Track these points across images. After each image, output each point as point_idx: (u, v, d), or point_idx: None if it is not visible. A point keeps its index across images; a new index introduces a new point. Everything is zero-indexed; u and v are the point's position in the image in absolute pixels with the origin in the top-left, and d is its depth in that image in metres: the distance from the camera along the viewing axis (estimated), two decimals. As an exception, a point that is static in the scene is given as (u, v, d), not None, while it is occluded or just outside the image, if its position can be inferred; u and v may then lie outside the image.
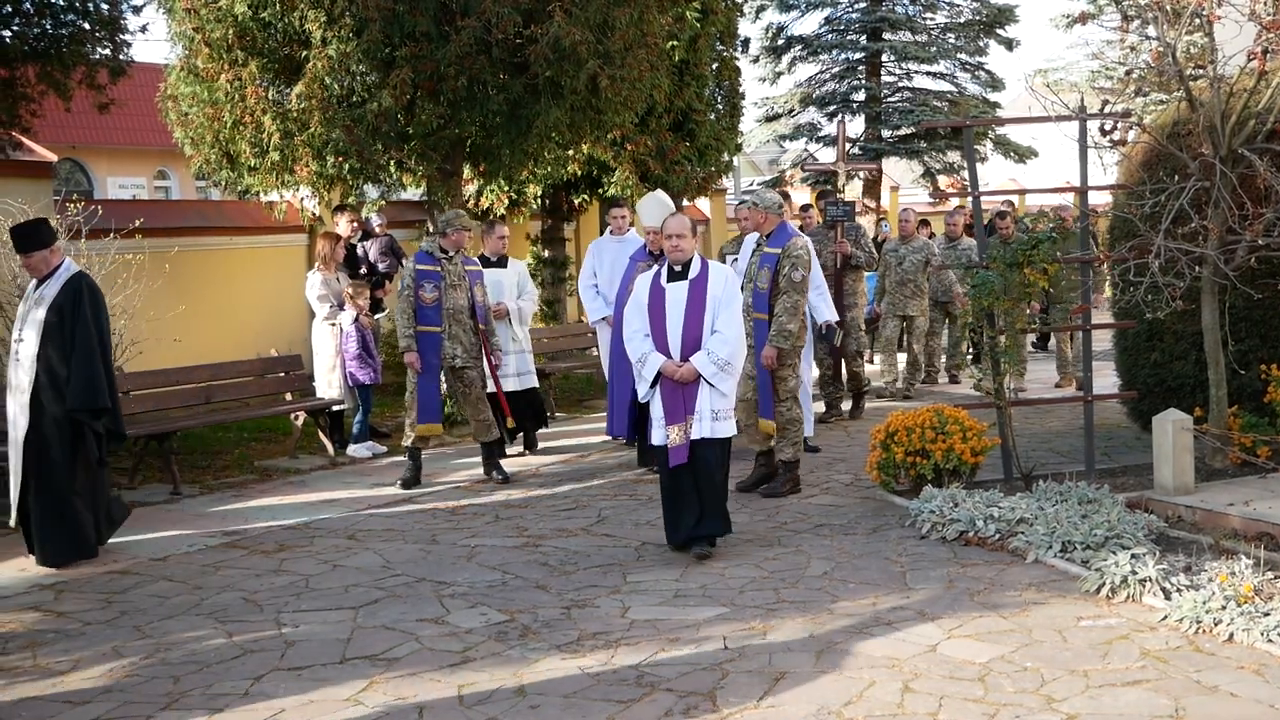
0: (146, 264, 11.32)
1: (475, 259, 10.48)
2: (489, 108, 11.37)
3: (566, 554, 7.80)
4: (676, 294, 7.57)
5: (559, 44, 10.79)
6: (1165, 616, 6.01)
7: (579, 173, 16.14)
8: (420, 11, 10.78)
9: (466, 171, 13.28)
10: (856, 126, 26.76)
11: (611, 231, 11.96)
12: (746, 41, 21.06)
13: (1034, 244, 8.80)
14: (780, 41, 26.50)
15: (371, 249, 13.01)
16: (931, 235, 16.43)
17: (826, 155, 27.23)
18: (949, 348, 15.74)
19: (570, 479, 10.21)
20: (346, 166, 11.59)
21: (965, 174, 26.85)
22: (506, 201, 16.69)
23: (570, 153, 14.45)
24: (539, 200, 17.19)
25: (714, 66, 17.63)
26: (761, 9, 26.41)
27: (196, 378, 11.00)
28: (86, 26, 8.51)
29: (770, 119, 27.17)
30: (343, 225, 12.66)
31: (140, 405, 10.27)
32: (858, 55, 26.33)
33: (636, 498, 9.31)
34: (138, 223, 11.38)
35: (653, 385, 7.58)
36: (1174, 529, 7.60)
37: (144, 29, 8.94)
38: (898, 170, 33.30)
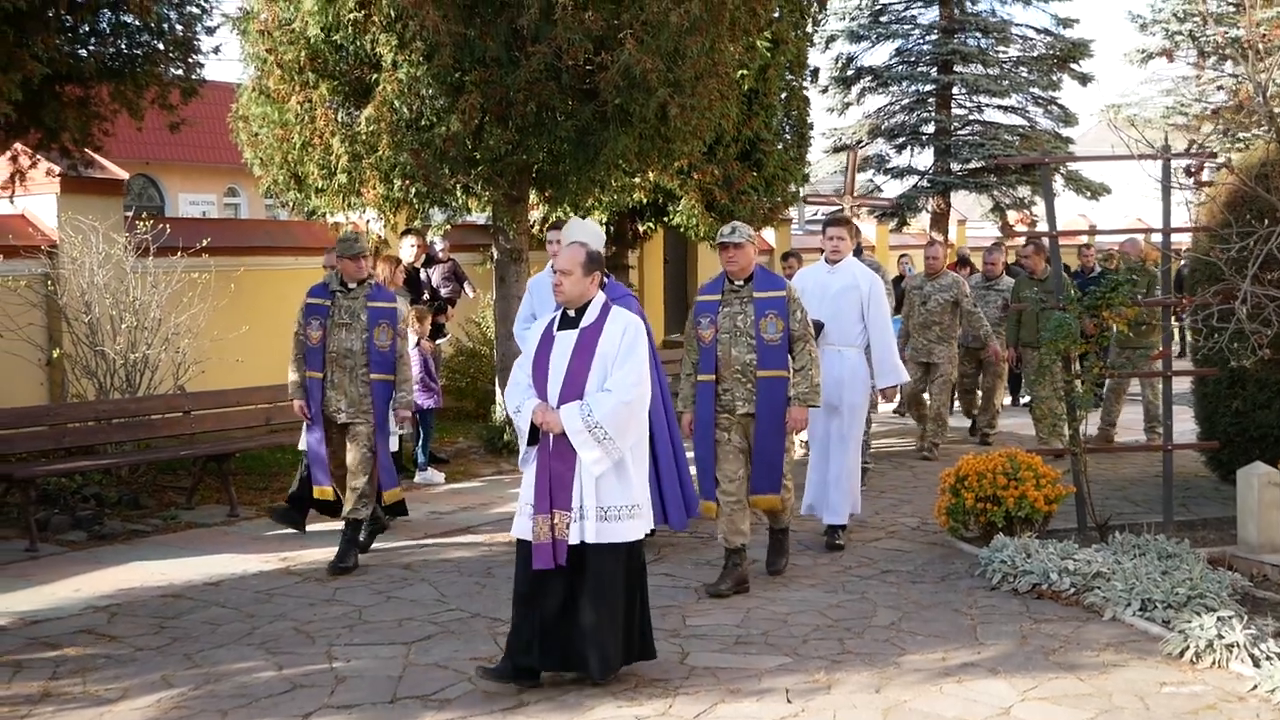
0: (212, 283, 11.30)
1: (393, 294, 8.90)
2: (557, 134, 11.25)
3: (625, 593, 7.61)
4: (563, 344, 5.92)
5: (629, 71, 10.65)
6: (1255, 686, 5.73)
7: (645, 200, 16.02)
8: (491, 37, 10.69)
9: (533, 196, 13.18)
10: (925, 159, 26.53)
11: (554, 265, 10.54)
12: (816, 72, 20.88)
13: (1114, 286, 8.54)
14: (850, 72, 26.31)
15: (434, 274, 12.92)
16: (971, 272, 15.49)
17: (893, 188, 27.01)
18: (981, 402, 13.83)
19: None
20: (413, 190, 11.52)
21: (1035, 208, 26.65)
22: (573, 228, 16.58)
23: (637, 180, 14.31)
24: (603, 226, 17.07)
25: (783, 96, 17.49)
26: (832, 39, 26.24)
27: (257, 399, 10.93)
28: (160, 47, 8.48)
29: (838, 150, 26.95)
30: (405, 249, 12.57)
31: (200, 425, 10.23)
32: (928, 87, 26.08)
33: (697, 534, 9.09)
34: (205, 242, 11.37)
35: (530, 443, 5.97)
36: (1260, 589, 7.30)
37: (216, 50, 8.99)
38: (966, 204, 32.96)
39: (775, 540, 8.11)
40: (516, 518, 5.95)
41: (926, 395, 12.70)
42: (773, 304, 7.51)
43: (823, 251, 9.23)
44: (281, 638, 6.78)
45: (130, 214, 11.94)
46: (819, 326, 8.59)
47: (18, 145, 8.69)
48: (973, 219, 33.14)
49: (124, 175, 12.44)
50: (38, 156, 8.99)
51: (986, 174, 25.72)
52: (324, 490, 8.58)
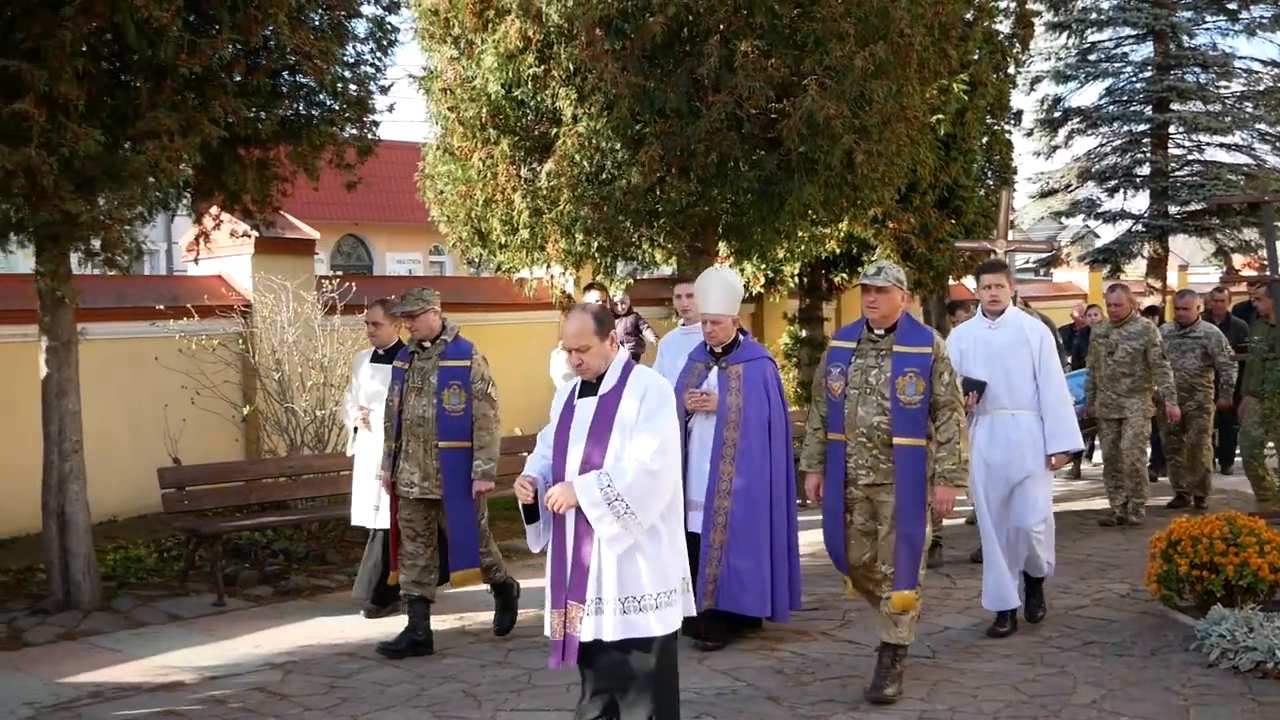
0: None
1: (470, 348, 7.81)
2: (740, 184, 11.01)
3: (804, 661, 7.22)
4: (583, 413, 5.24)
5: (813, 118, 10.35)
6: None
7: (838, 250, 15.63)
8: (671, 87, 10.54)
9: (723, 249, 12.95)
10: (1140, 202, 25.34)
11: (682, 321, 9.00)
12: (1019, 114, 20.22)
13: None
14: (1057, 114, 25.37)
15: (617, 328, 12.76)
16: (1161, 321, 13.96)
17: (1108, 232, 25.91)
18: (1186, 460, 12.21)
19: (819, 575, 9.16)
20: (595, 244, 11.43)
21: (1262, 253, 25.18)
22: (763, 280, 16.33)
23: (827, 230, 13.94)
24: (796, 279, 16.74)
25: (983, 140, 16.90)
26: (1037, 81, 25.36)
27: (440, 455, 10.87)
28: (336, 107, 8.57)
29: (1045, 195, 26.02)
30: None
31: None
32: (1142, 127, 24.93)
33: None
34: (391, 299, 11.42)
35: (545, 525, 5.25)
36: None
37: (390, 109, 8.97)
38: (1187, 248, 31.44)
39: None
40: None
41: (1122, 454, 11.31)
42: (915, 361, 6.48)
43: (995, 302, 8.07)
44: (449, 700, 6.63)
45: (325, 274, 12.14)
46: (981, 387, 7.90)
47: (202, 206, 8.88)
48: (1195, 264, 31.60)
49: (315, 235, 12.69)
50: (221, 219, 9.16)
51: (1208, 216, 24.39)
52: (393, 574, 7.96)
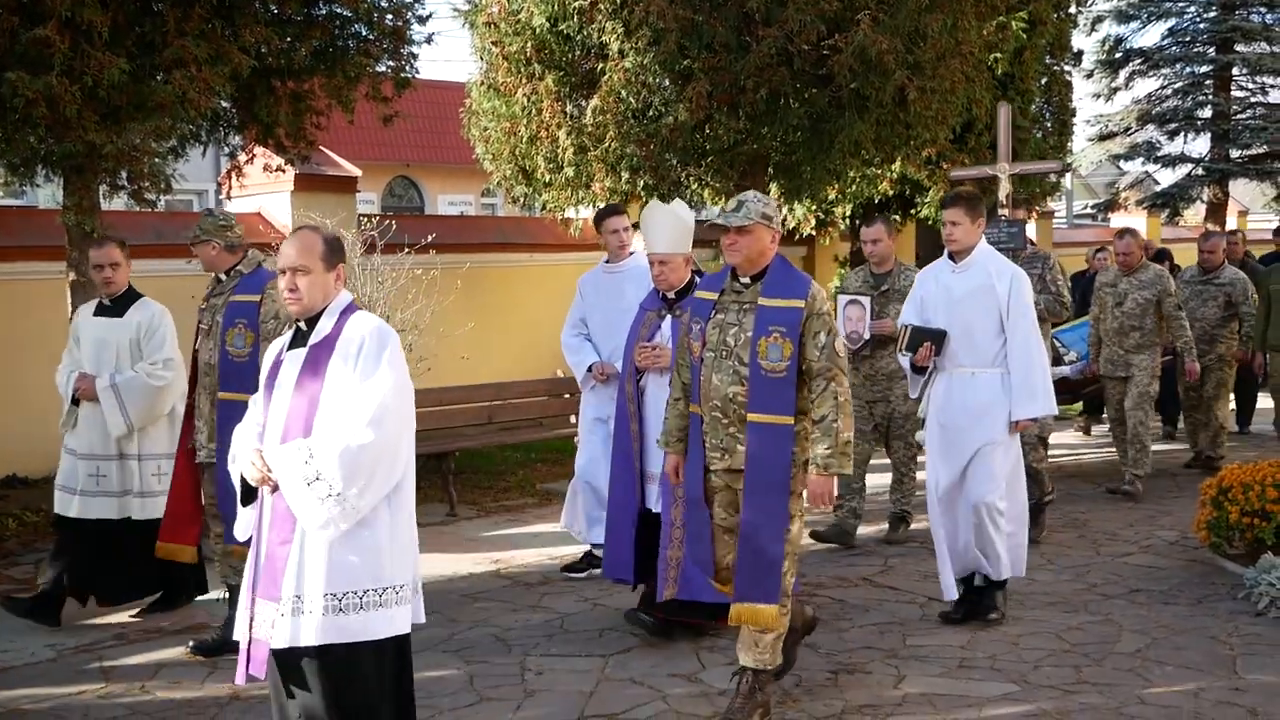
0: (439, 279, 11.26)
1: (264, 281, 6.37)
2: (789, 122, 10.77)
3: (843, 607, 7.10)
4: (290, 368, 4.28)
5: (865, 54, 10.07)
6: None
7: (891, 192, 15.34)
8: (719, 21, 10.29)
9: (774, 189, 12.72)
10: (1200, 146, 24.77)
11: (607, 258, 7.97)
12: (1079, 54, 19.75)
13: None
14: (1118, 55, 24.76)
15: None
16: (1174, 268, 12.60)
17: (1166, 177, 25.37)
18: (1201, 416, 11.29)
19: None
20: (641, 183, 11.25)
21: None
22: (813, 221, 16.08)
23: (879, 171, 13.67)
24: (847, 220, 16.47)
25: (1042, 81, 16.53)
26: (1098, 21, 24.75)
27: (480, 397, 10.83)
28: (372, 37, 8.40)
29: (1104, 138, 25.47)
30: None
31: (422, 424, 10.11)
32: (1204, 69, 24.32)
33: (927, 544, 8.45)
34: (430, 238, 11.34)
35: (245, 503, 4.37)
36: None
37: (429, 40, 8.79)
38: (1247, 194, 30.77)
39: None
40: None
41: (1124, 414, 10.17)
42: (782, 317, 5.22)
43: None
44: (478, 645, 6.55)
45: (364, 214, 12.03)
46: (939, 337, 6.75)
47: (237, 141, 8.77)
48: (1255, 209, 30.92)
49: (356, 173, 12.59)
50: (255, 152, 9.03)
51: (1270, 160, 23.85)
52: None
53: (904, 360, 7.03)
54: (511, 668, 6.16)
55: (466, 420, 10.68)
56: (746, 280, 5.37)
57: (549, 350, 13.51)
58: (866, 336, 8.43)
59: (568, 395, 11.07)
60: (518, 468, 11.62)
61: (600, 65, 10.83)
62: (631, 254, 7.82)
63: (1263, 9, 23.85)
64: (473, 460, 11.55)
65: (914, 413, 8.51)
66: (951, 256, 6.84)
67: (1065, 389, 10.73)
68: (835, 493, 5.32)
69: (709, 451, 5.40)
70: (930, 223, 15.97)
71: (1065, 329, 11.00)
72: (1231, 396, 11.99)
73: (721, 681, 5.80)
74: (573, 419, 10.47)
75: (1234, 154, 24.03)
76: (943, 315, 6.78)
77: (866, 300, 8.48)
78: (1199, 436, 11.29)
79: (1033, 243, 10.41)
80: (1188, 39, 24.37)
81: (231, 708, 5.68)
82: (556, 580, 7.84)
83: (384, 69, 8.57)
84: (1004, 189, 9.82)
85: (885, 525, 8.85)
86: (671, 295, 6.58)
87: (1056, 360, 10.43)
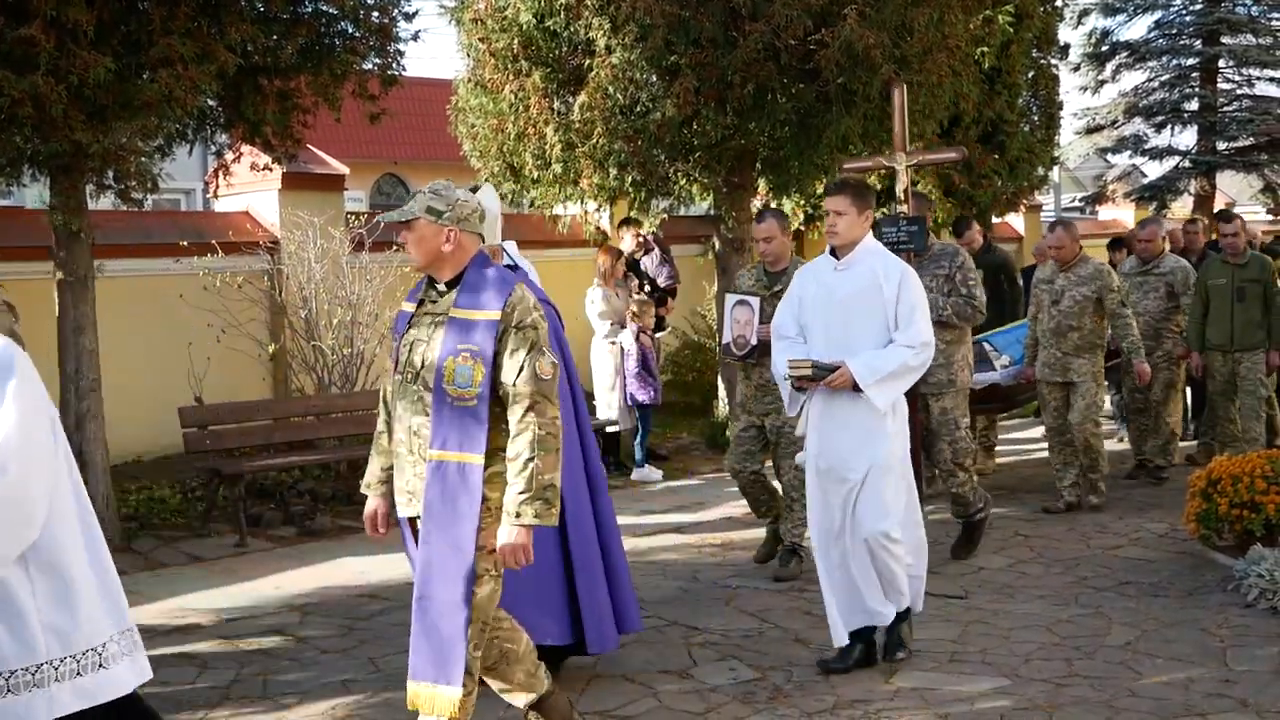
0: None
1: None
2: (777, 117, 10.78)
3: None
4: None
5: (851, 48, 10.07)
6: None
7: (880, 186, 15.34)
8: (706, 16, 10.28)
9: (762, 185, 12.72)
10: (1188, 138, 24.82)
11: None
12: (1066, 48, 19.78)
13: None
14: (1105, 48, 24.80)
15: (647, 263, 12.57)
16: (1129, 254, 11.40)
17: (1154, 169, 25.41)
18: (1151, 422, 10.44)
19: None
20: (629, 179, 11.24)
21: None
22: (802, 215, 16.09)
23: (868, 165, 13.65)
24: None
25: (1029, 75, 16.57)
26: (1084, 14, 24.78)
27: (470, 394, 10.79)
28: (358, 35, 8.38)
29: (1091, 131, 25.51)
30: (627, 240, 12.34)
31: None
32: (1191, 61, 24.36)
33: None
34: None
35: None
36: None
37: (416, 37, 8.78)
38: (1234, 185, 30.86)
39: None
40: None
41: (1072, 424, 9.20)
42: (474, 331, 4.32)
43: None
44: (470, 641, 6.53)
45: (352, 211, 12.02)
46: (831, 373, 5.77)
47: (224, 140, 8.74)
48: (1242, 201, 31.02)
49: (344, 170, 12.56)
50: (241, 151, 9.01)
51: (1257, 152, 23.93)
52: None
53: (780, 376, 6.08)
54: (503, 665, 6.15)
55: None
56: (442, 287, 4.45)
57: (538, 347, 13.51)
58: (754, 342, 7.31)
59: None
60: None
61: (587, 61, 10.81)
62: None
63: (1249, 1, 23.92)
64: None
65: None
66: (834, 253, 5.97)
67: (995, 396, 10.02)
68: (529, 552, 4.28)
69: (397, 495, 4.57)
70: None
71: (1002, 331, 10.33)
72: (1189, 393, 11.40)
73: (714, 678, 5.81)
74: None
75: (1221, 146, 24.10)
76: (821, 318, 5.93)
77: (755, 301, 7.39)
78: (1146, 443, 10.47)
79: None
80: (1174, 31, 24.41)
81: (222, 707, 5.67)
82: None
83: (370, 66, 8.55)
84: (901, 181, 8.73)
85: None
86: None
87: (985, 365, 9.75)
